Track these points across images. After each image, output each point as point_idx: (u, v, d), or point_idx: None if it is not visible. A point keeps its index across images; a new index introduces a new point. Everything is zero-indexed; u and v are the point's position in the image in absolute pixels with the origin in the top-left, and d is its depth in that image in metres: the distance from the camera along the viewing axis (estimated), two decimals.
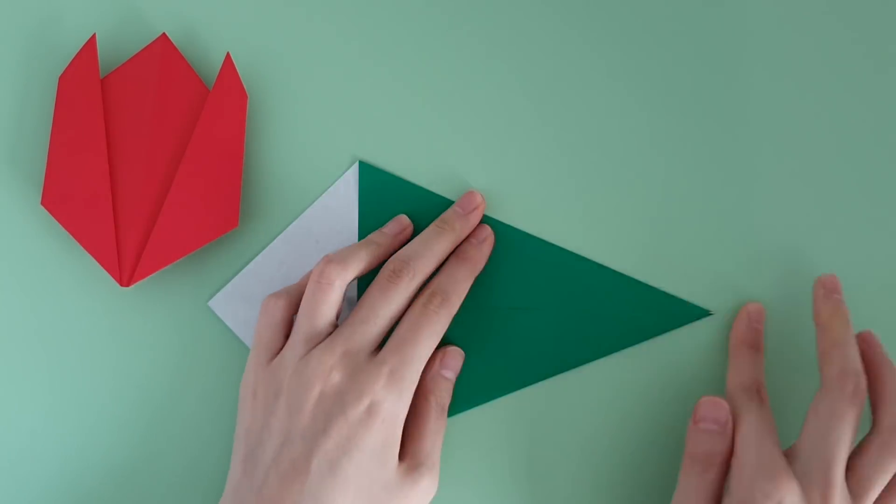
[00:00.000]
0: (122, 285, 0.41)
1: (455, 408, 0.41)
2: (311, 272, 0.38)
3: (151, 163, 0.41)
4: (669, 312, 0.41)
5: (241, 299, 0.41)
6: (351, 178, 0.42)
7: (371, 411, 0.35)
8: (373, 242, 0.40)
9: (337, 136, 0.43)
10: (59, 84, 0.42)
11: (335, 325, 0.38)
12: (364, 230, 0.41)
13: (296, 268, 0.41)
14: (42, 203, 0.41)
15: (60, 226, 0.41)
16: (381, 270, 0.38)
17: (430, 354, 0.38)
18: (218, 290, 0.42)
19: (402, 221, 0.41)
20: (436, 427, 0.38)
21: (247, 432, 0.37)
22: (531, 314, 0.41)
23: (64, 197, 0.41)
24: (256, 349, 0.38)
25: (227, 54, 0.42)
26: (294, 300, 0.39)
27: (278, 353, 0.38)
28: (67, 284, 0.42)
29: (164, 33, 0.42)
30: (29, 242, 0.42)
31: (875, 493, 0.35)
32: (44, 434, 0.42)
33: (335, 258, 0.38)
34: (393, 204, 0.42)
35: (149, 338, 0.42)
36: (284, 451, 0.35)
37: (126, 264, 0.41)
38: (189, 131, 0.42)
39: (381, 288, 0.38)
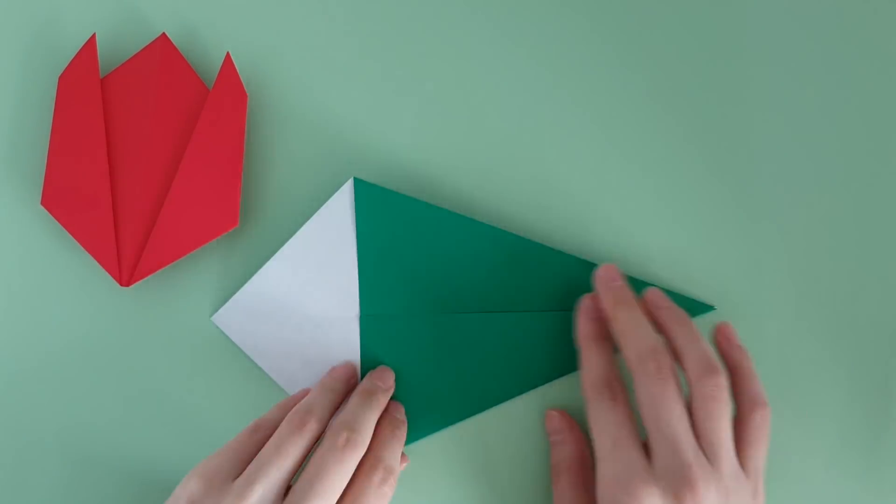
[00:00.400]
0: (122, 285, 0.41)
1: (447, 419, 0.41)
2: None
3: (151, 162, 0.41)
4: None
5: (244, 315, 0.41)
6: (345, 194, 0.42)
7: None
8: (332, 394, 0.39)
9: (337, 135, 0.43)
10: (58, 84, 0.42)
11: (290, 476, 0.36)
12: (363, 246, 0.41)
13: (295, 288, 0.41)
14: (42, 203, 0.41)
15: (60, 226, 0.41)
16: (330, 439, 0.36)
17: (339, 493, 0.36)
18: (218, 291, 0.42)
19: (348, 369, 0.41)
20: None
21: None
22: (528, 317, 0.41)
23: (64, 197, 0.41)
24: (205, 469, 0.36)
25: (227, 54, 0.42)
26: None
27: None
28: (67, 284, 0.42)
29: (163, 33, 0.42)
30: (29, 242, 0.42)
31: (724, 447, 0.35)
32: (44, 433, 0.42)
33: (314, 410, 0.37)
34: (390, 217, 0.41)
35: (149, 338, 0.42)
36: None
37: (126, 264, 0.41)
38: (189, 131, 0.42)
39: (337, 460, 0.36)
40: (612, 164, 0.43)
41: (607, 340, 0.39)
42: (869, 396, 0.41)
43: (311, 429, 0.36)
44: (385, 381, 0.40)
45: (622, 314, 0.38)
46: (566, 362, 0.41)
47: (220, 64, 0.43)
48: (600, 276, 0.39)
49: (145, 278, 0.41)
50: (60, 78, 0.42)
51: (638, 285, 0.41)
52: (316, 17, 0.44)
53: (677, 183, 0.42)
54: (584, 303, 0.40)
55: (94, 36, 0.42)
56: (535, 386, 0.41)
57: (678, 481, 0.33)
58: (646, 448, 0.35)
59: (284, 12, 0.44)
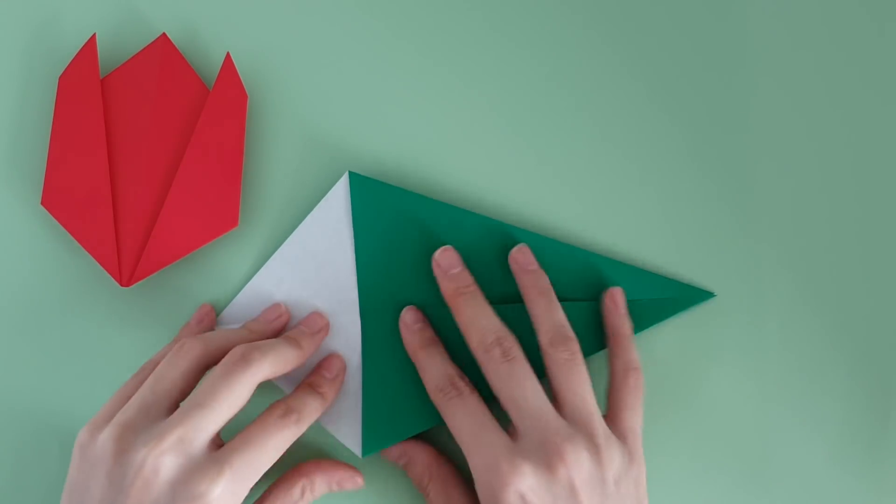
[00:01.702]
0: (122, 285, 0.41)
1: None
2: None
3: (151, 163, 0.41)
4: (673, 297, 0.41)
5: (245, 315, 0.41)
6: (341, 190, 0.42)
7: None
8: (241, 330, 0.39)
9: (337, 135, 0.43)
10: (59, 84, 0.42)
11: (175, 405, 0.35)
12: (360, 241, 0.41)
13: (296, 286, 0.41)
14: (42, 203, 0.41)
15: (60, 226, 0.41)
16: (230, 354, 0.35)
17: (269, 466, 0.34)
18: (219, 291, 0.42)
19: (279, 309, 0.41)
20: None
21: (70, 486, 0.34)
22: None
23: (64, 197, 0.41)
24: (111, 403, 0.36)
25: (228, 54, 0.42)
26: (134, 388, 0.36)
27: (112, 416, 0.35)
28: (67, 285, 0.42)
29: (164, 33, 0.42)
30: (29, 242, 0.42)
31: (588, 409, 0.36)
32: (44, 433, 0.42)
33: (199, 336, 0.36)
34: (388, 211, 0.41)
35: (149, 338, 0.42)
36: None
37: (126, 264, 0.41)
38: (189, 131, 0.42)
39: (222, 373, 0.34)
40: (610, 152, 0.43)
41: (436, 344, 0.39)
42: (869, 394, 0.41)
43: (190, 349, 0.35)
44: (310, 326, 0.40)
45: (463, 306, 0.38)
46: None
47: (221, 64, 0.43)
48: (439, 263, 0.40)
49: (145, 279, 0.41)
50: (61, 78, 0.42)
51: (636, 273, 0.41)
52: (316, 18, 0.44)
53: (678, 172, 0.42)
54: (403, 317, 0.40)
55: (94, 36, 0.42)
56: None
57: (547, 452, 0.34)
58: (510, 433, 0.35)
59: (285, 13, 0.44)
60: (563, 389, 0.36)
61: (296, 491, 0.38)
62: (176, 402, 0.35)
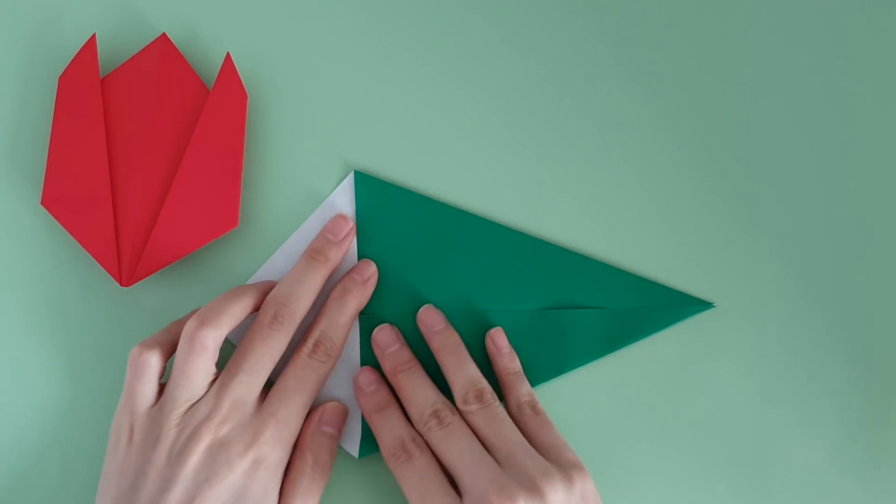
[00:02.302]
0: (122, 285, 0.41)
1: None
2: (183, 323, 0.39)
3: (151, 163, 0.41)
4: (672, 306, 0.41)
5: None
6: (346, 188, 0.42)
7: (256, 463, 0.36)
8: (245, 294, 0.39)
9: (337, 135, 0.43)
10: (59, 84, 0.42)
11: (213, 381, 0.38)
12: (363, 241, 0.41)
13: None
14: (42, 203, 0.41)
15: (60, 226, 0.41)
16: (260, 315, 0.38)
17: (311, 401, 0.38)
18: (218, 291, 0.42)
19: (272, 284, 0.41)
20: (309, 485, 0.38)
21: (119, 474, 0.36)
22: (530, 315, 0.41)
23: (64, 197, 0.41)
24: (130, 399, 0.37)
25: (228, 54, 0.42)
26: (165, 350, 0.38)
27: (155, 403, 0.37)
28: (67, 284, 0.42)
29: (164, 33, 0.42)
30: (29, 242, 0.42)
31: (511, 448, 0.36)
32: (44, 432, 0.42)
33: (208, 319, 0.37)
34: (391, 212, 0.41)
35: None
36: (165, 496, 0.35)
37: (126, 264, 0.41)
38: (189, 131, 0.42)
39: (263, 337, 0.38)
40: (610, 161, 0.43)
41: (390, 406, 0.40)
42: (868, 397, 0.41)
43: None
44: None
45: (403, 382, 0.39)
46: (566, 360, 0.41)
47: (221, 64, 0.43)
48: (377, 342, 0.41)
49: (145, 279, 0.41)
50: (61, 78, 0.42)
51: (636, 282, 0.41)
52: (316, 18, 0.44)
53: (677, 182, 0.42)
54: (358, 379, 0.40)
55: (94, 36, 0.42)
56: (533, 384, 0.41)
57: (487, 500, 0.34)
58: (461, 494, 0.36)
59: (285, 13, 0.44)
60: (487, 437, 0.37)
61: (302, 464, 0.38)
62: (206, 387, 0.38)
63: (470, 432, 0.37)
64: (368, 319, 0.41)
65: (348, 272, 0.41)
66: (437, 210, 0.42)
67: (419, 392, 0.39)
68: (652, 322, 0.41)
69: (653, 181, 0.42)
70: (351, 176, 0.42)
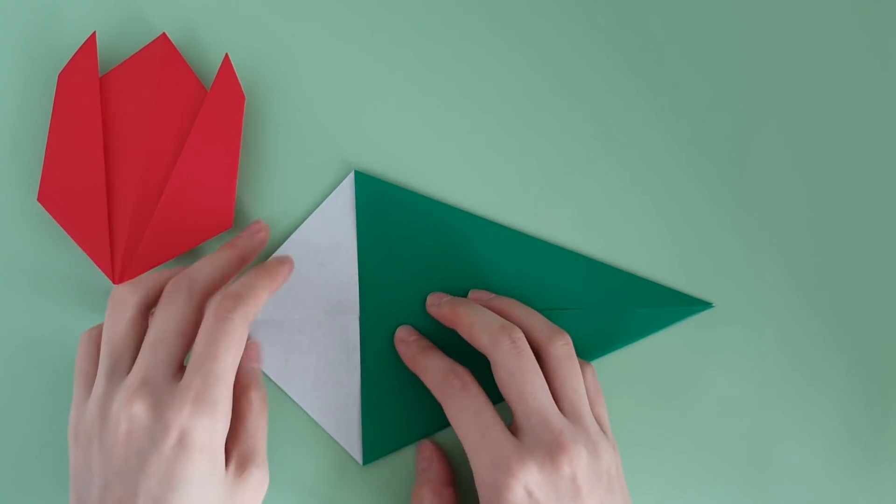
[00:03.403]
0: (114, 283, 0.40)
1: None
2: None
3: (148, 162, 0.41)
4: (672, 306, 0.41)
5: None
6: (347, 188, 0.42)
7: (183, 442, 0.33)
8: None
9: (335, 138, 0.43)
10: (58, 81, 0.42)
11: (135, 352, 0.36)
12: (363, 241, 0.41)
13: (297, 282, 0.41)
14: (38, 199, 0.41)
15: (56, 222, 0.41)
16: (164, 290, 0.37)
17: (236, 363, 0.35)
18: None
19: (259, 224, 0.41)
20: (257, 422, 0.36)
21: (73, 475, 0.36)
22: None
23: (60, 193, 0.41)
24: (77, 386, 0.37)
25: (226, 55, 0.42)
26: (100, 330, 0.38)
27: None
28: (61, 280, 0.42)
29: (163, 33, 0.42)
30: (24, 237, 0.42)
31: (584, 405, 0.36)
32: (44, 431, 0.41)
33: (131, 282, 0.37)
34: (391, 212, 0.42)
35: None
36: (108, 493, 0.33)
37: (119, 262, 0.41)
38: (186, 131, 0.42)
39: (162, 306, 0.36)
40: (610, 161, 0.43)
41: (433, 348, 0.40)
42: (866, 397, 0.41)
43: (124, 301, 0.37)
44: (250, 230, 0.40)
45: (463, 310, 0.39)
46: None
47: (219, 65, 0.43)
48: (431, 302, 0.41)
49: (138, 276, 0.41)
50: (60, 75, 0.42)
51: (635, 282, 0.41)
52: (316, 19, 0.44)
53: (677, 182, 0.43)
54: (398, 334, 0.41)
55: (94, 34, 0.42)
56: None
57: (552, 449, 0.34)
58: (512, 429, 0.36)
59: (284, 15, 0.44)
60: (561, 384, 0.37)
61: (248, 409, 0.37)
62: (133, 355, 0.36)
63: (539, 369, 0.36)
64: (368, 320, 0.41)
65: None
66: (438, 210, 0.42)
67: (485, 314, 0.38)
68: (652, 322, 0.41)
69: (653, 182, 0.43)
70: (351, 176, 0.42)
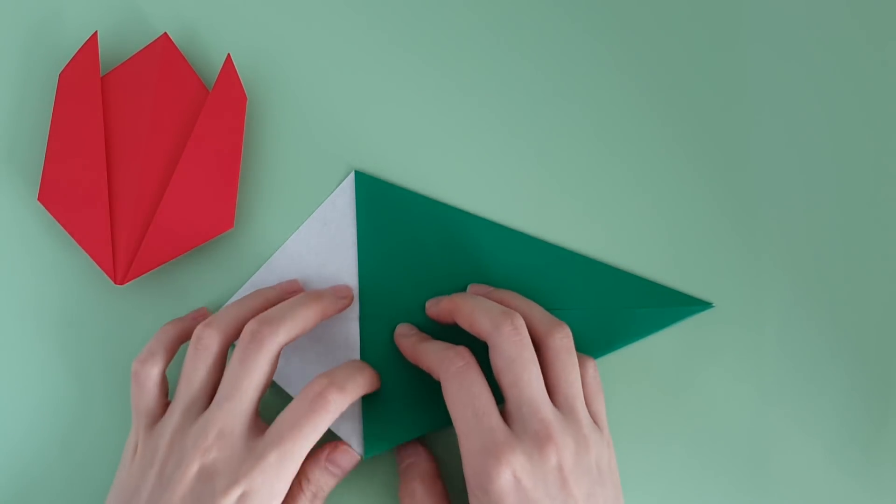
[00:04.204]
0: (116, 283, 0.40)
1: (447, 418, 0.40)
2: (179, 322, 0.39)
3: (149, 161, 0.41)
4: (672, 306, 0.41)
5: None
6: (347, 188, 0.42)
7: (244, 499, 0.34)
8: (257, 297, 0.39)
9: (335, 138, 0.43)
10: (59, 81, 0.42)
11: (210, 397, 0.37)
12: (363, 241, 0.41)
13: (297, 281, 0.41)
14: (39, 199, 0.41)
15: (56, 222, 0.41)
16: (241, 336, 0.36)
17: (313, 444, 0.35)
18: (212, 292, 0.42)
19: (294, 285, 0.41)
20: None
21: (118, 486, 0.36)
22: None
23: (61, 193, 0.41)
24: (137, 415, 0.37)
25: (228, 56, 0.42)
26: (166, 360, 0.38)
27: (160, 417, 0.37)
28: (62, 280, 0.42)
29: (165, 33, 0.42)
30: (25, 237, 0.42)
31: (578, 399, 0.36)
32: (43, 431, 0.41)
33: (213, 322, 0.37)
34: (391, 212, 0.42)
35: (143, 336, 0.41)
36: None
37: (121, 262, 0.41)
38: (188, 131, 0.42)
39: (240, 358, 0.36)
40: (611, 162, 0.43)
41: (431, 339, 0.39)
42: (866, 397, 0.41)
43: (208, 344, 0.37)
44: (337, 290, 0.41)
45: (462, 300, 0.38)
46: None
47: (221, 65, 0.43)
48: (430, 304, 0.40)
49: (140, 277, 0.41)
50: (61, 75, 0.42)
51: (635, 282, 0.41)
52: (317, 19, 0.44)
53: (677, 182, 0.43)
54: (398, 330, 0.41)
55: (95, 34, 0.42)
56: None
57: (539, 438, 0.34)
58: (503, 414, 0.36)
59: (286, 15, 0.44)
60: (557, 375, 0.36)
61: (299, 493, 0.38)
62: (210, 394, 0.36)
63: (536, 358, 0.36)
64: (368, 320, 0.41)
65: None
66: (437, 210, 0.42)
67: (486, 302, 0.38)
68: (652, 322, 0.41)
69: (653, 181, 0.43)
70: (351, 176, 0.42)
